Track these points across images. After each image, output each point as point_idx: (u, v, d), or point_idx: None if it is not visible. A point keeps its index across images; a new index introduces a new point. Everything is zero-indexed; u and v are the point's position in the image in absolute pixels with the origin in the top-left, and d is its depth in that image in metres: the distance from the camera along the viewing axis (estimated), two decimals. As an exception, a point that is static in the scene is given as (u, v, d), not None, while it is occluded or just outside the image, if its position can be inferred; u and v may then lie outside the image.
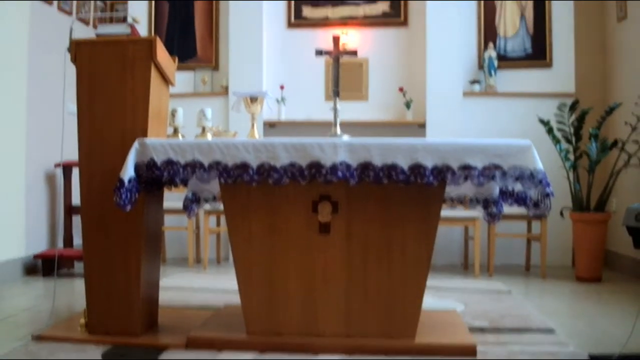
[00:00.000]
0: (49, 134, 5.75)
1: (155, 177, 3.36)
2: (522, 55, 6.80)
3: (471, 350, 3.31)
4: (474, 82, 6.77)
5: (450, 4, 6.70)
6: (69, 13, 6.44)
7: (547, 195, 3.20)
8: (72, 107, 3.72)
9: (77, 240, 6.19)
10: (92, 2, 6.97)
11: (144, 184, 3.34)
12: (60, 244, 6.26)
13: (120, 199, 3.17)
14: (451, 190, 3.74)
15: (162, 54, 3.68)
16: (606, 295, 5.12)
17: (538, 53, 6.74)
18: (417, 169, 3.22)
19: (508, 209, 3.75)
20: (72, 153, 4.94)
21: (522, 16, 6.79)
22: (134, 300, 3.53)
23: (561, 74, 6.64)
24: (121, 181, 3.20)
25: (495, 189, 3.58)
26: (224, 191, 3.45)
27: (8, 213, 5.45)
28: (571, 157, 5.85)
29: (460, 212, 5.71)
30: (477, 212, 5.34)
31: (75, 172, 5.91)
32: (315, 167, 3.24)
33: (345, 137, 3.64)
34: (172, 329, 3.71)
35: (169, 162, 3.29)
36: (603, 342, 3.65)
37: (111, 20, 7.20)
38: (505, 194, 3.55)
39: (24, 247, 5.69)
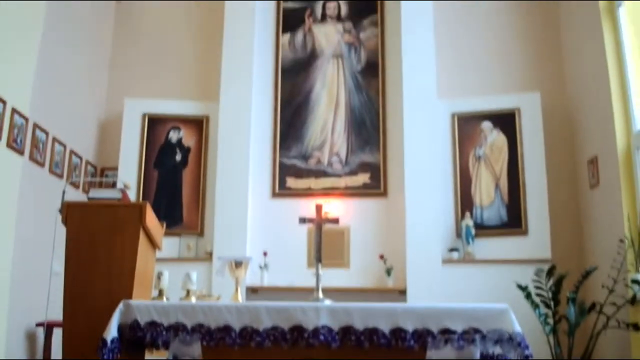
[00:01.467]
0: (33, 293, 5.74)
1: (138, 339, 3.36)
2: (498, 223, 7.01)
3: None
4: (452, 249, 6.93)
5: (428, 176, 6.99)
6: (60, 176, 6.66)
7: (527, 357, 3.23)
8: (58, 267, 3.79)
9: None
10: (82, 166, 7.22)
11: (126, 345, 3.34)
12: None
13: (102, 358, 3.17)
14: (432, 355, 3.75)
15: (150, 219, 3.82)
16: None
17: (513, 221, 6.95)
18: (398, 332, 3.27)
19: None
20: (53, 313, 4.93)
21: (497, 186, 7.08)
22: None
23: (537, 240, 6.81)
24: (104, 341, 3.21)
25: (475, 352, 3.59)
26: (206, 354, 3.45)
27: (-14, 371, 5.33)
28: (550, 321, 5.89)
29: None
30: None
31: (56, 332, 5.83)
32: (298, 330, 3.28)
33: (327, 302, 3.70)
34: None
35: (153, 324, 3.32)
36: None
37: (101, 185, 7.42)
38: (486, 358, 3.56)
39: (0, 407, 5.51)
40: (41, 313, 5.39)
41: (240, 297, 4.26)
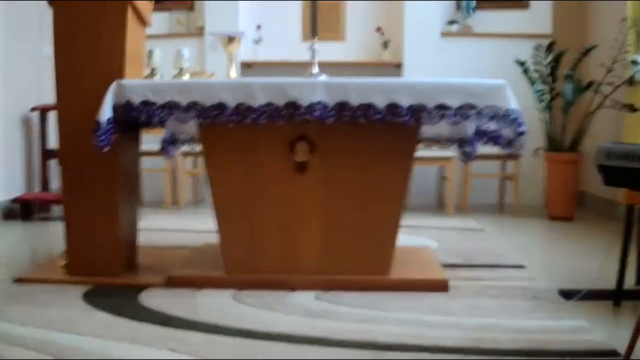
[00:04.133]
0: (25, 78, 5.67)
1: (133, 118, 3.35)
2: (500, -5, 6.78)
3: (443, 285, 3.42)
4: (451, 22, 6.75)
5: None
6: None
7: (521, 134, 3.24)
8: (48, 50, 3.68)
9: (53, 184, 6.19)
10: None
11: (121, 125, 3.33)
12: (37, 187, 6.24)
13: (98, 140, 3.18)
14: (427, 130, 3.77)
15: (138, -4, 3.64)
16: (578, 233, 5.24)
17: (515, -7, 6.72)
18: (393, 107, 3.25)
19: (482, 148, 3.81)
20: (48, 96, 4.89)
21: (501, -45, 6.75)
22: (114, 241, 3.57)
23: (538, 15, 6.64)
24: (98, 122, 3.19)
25: (470, 128, 3.62)
26: (202, 131, 3.47)
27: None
28: (546, 97, 5.90)
29: (435, 152, 5.78)
30: (452, 152, 5.39)
31: (51, 116, 5.86)
32: (293, 106, 3.26)
33: (323, 77, 3.64)
34: (152, 268, 3.77)
35: (146, 103, 3.28)
36: (573, 278, 3.77)
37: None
38: (480, 133, 3.59)
39: (1, 191, 5.67)
40: (34, 98, 5.34)
41: (234, 74, 4.18)
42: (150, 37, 4.28)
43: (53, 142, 5.73)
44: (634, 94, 5.36)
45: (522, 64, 5.90)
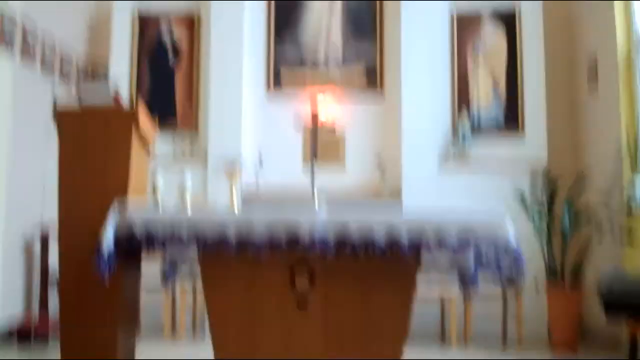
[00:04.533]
0: (29, 199, 5.73)
1: (135, 250, 3.36)
2: (495, 126, 6.92)
3: None
4: (448, 153, 6.88)
5: (425, 77, 6.90)
6: (51, 74, 6.52)
7: (520, 266, 3.24)
8: (53, 168, 3.74)
9: (52, 307, 6.10)
10: (73, 66, 7.04)
11: (123, 255, 3.34)
12: (35, 310, 6.11)
13: (99, 268, 3.17)
14: (427, 264, 3.76)
15: (144, 122, 3.75)
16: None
17: (511, 124, 6.86)
18: (393, 243, 3.27)
19: (483, 284, 3.77)
20: (51, 214, 4.93)
21: (495, 89, 6.96)
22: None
23: (534, 145, 6.74)
24: (100, 252, 3.20)
25: (470, 261, 3.61)
26: (202, 263, 3.47)
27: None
28: (545, 227, 5.92)
29: (436, 289, 5.75)
30: (454, 290, 5.40)
31: (52, 243, 5.85)
32: (293, 241, 3.28)
33: (324, 208, 3.68)
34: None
35: (149, 235, 3.30)
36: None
37: (93, 78, 7.27)
38: (480, 266, 3.57)
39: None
40: (37, 216, 5.35)
41: (236, 200, 4.20)
42: (154, 159, 4.35)
43: (53, 267, 5.70)
44: (632, 222, 5.40)
45: (519, 194, 5.96)
